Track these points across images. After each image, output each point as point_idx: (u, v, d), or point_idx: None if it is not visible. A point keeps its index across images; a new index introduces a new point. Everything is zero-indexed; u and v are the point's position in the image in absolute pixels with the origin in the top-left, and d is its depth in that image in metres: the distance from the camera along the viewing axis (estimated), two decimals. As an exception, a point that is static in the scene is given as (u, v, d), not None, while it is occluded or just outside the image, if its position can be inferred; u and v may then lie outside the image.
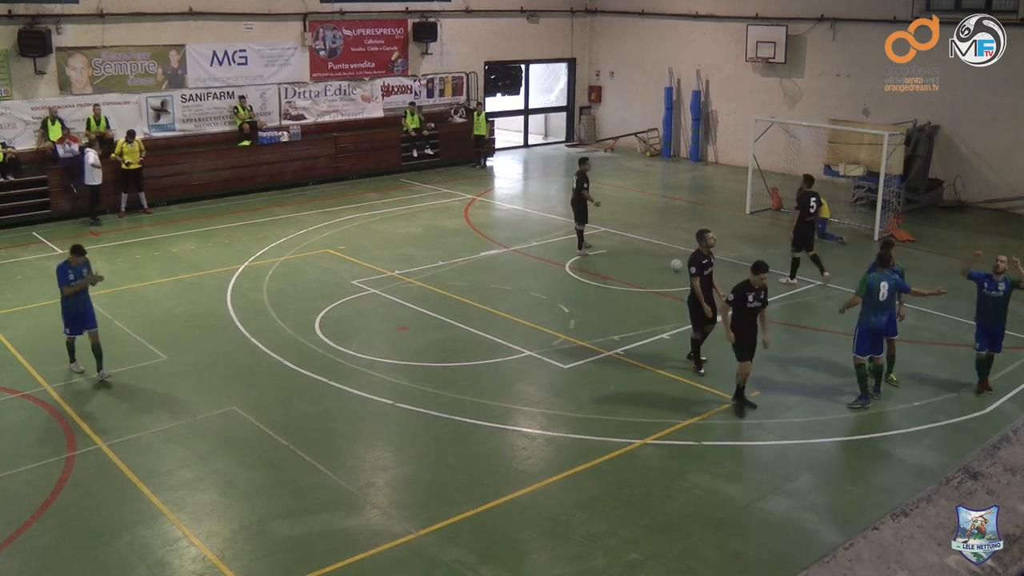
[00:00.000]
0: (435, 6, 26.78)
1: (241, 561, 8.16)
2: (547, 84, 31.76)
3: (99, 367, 11.83)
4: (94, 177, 19.71)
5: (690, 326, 12.25)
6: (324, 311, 14.45)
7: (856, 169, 20.97)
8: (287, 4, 24.00)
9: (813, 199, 15.68)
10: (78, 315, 11.75)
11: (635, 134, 29.52)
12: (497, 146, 28.68)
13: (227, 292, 15.48)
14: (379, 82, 26.18)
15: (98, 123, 21.04)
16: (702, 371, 12.11)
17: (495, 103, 29.37)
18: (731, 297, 10.75)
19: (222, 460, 9.97)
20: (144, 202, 20.95)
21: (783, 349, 11.49)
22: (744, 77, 26.49)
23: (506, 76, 29.49)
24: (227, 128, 23.38)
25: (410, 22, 26.36)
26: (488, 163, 27.27)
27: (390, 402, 11.34)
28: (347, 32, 25.26)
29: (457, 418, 10.87)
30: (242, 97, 23.40)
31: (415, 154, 26.04)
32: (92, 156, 19.67)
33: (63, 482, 9.45)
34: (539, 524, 8.76)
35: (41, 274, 16.36)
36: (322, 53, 24.91)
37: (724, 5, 26.76)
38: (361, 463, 10.09)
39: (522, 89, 29.98)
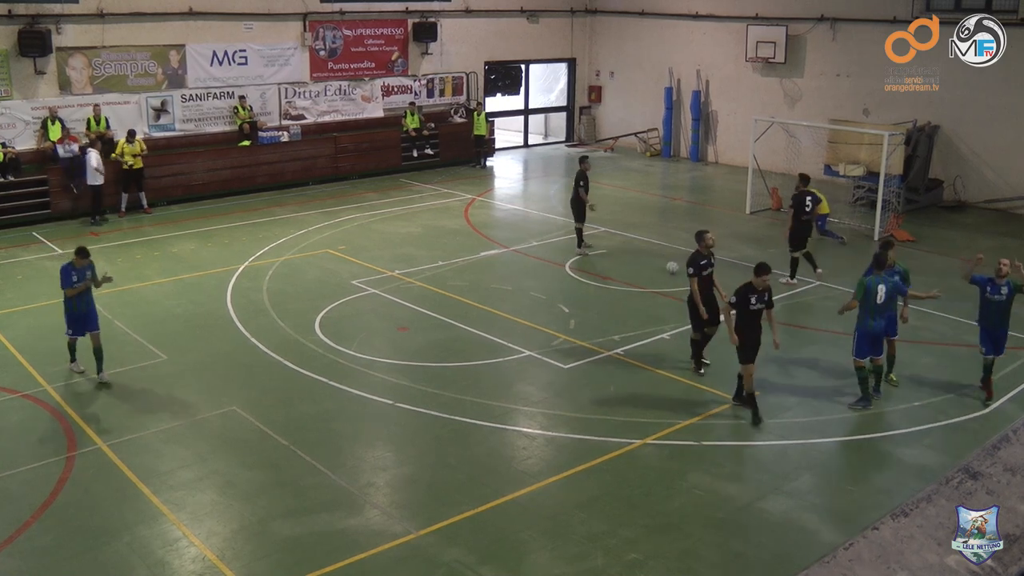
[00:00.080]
0: (435, 6, 26.78)
1: (241, 561, 8.16)
2: (547, 84, 31.76)
3: (99, 369, 11.82)
4: (96, 177, 19.70)
5: (690, 326, 12.24)
6: (324, 311, 14.45)
7: (856, 169, 20.97)
8: (287, 4, 24.00)
9: (809, 198, 15.71)
10: (80, 316, 11.74)
11: (635, 134, 29.52)
12: (497, 146, 28.68)
13: (227, 292, 15.48)
14: (379, 82, 26.18)
15: (98, 123, 21.04)
16: (702, 371, 12.11)
17: (495, 103, 29.37)
18: (733, 299, 10.68)
19: (222, 460, 9.97)
20: (144, 202, 20.96)
21: (783, 349, 11.47)
22: (744, 77, 26.49)
23: (506, 76, 29.49)
24: (227, 128, 23.39)
25: (410, 22, 26.36)
26: (488, 163, 27.27)
27: (390, 402, 11.34)
28: (347, 32, 25.26)
29: (457, 418, 10.87)
30: (242, 97, 23.40)
31: (415, 154, 26.04)
32: (95, 158, 19.65)
33: (63, 482, 9.45)
34: (539, 524, 8.76)
35: (41, 274, 16.36)
36: (322, 53, 24.91)
37: (724, 5, 26.77)
38: (361, 463, 10.09)
39: (522, 89, 29.98)
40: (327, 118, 25.25)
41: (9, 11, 19.94)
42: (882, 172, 18.95)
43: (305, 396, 11.55)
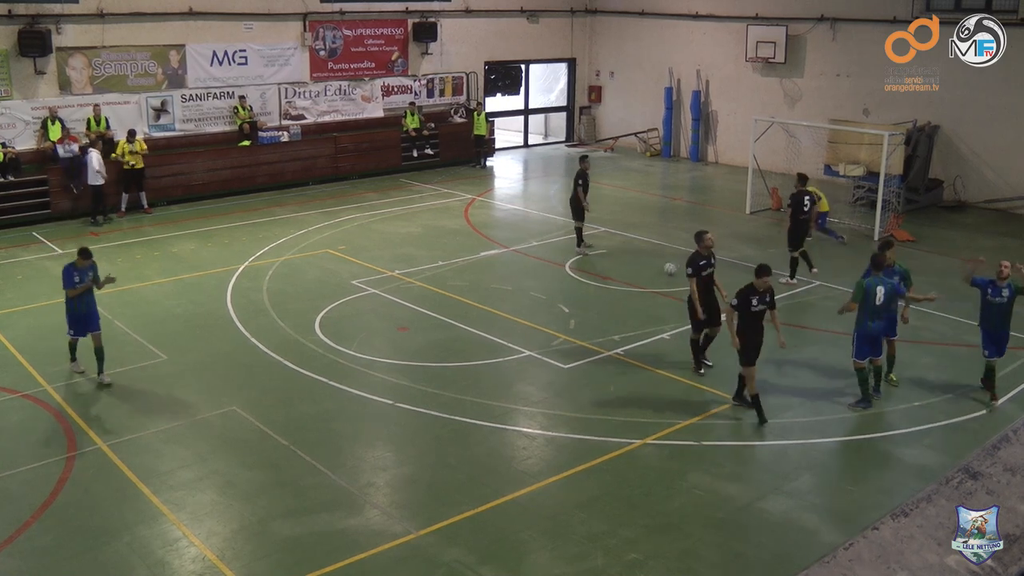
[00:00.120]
0: (435, 6, 26.78)
1: (241, 561, 8.16)
2: (547, 84, 31.76)
3: (99, 370, 11.81)
4: (97, 178, 19.69)
5: (690, 326, 12.24)
6: (324, 311, 14.45)
7: (856, 169, 20.97)
8: (287, 4, 24.00)
9: (807, 197, 15.73)
10: (82, 317, 11.73)
11: (635, 134, 29.52)
12: (497, 146, 28.68)
13: (227, 292, 15.48)
14: (379, 82, 26.18)
15: (98, 123, 21.04)
16: (702, 371, 12.11)
17: (495, 103, 29.37)
18: (734, 301, 10.63)
19: (222, 460, 9.97)
20: (144, 202, 20.96)
21: (784, 349, 11.47)
22: (744, 77, 26.49)
23: (506, 76, 29.49)
24: (227, 128, 23.39)
25: (410, 22, 26.36)
26: (488, 163, 27.27)
27: (390, 402, 11.35)
28: (347, 32, 25.26)
29: (457, 418, 10.87)
30: (242, 97, 23.40)
31: (415, 154, 26.04)
32: (96, 159, 19.63)
33: (63, 482, 9.45)
34: (539, 524, 8.76)
35: (41, 274, 16.37)
36: (322, 53, 24.91)
37: (724, 5, 26.77)
38: (361, 463, 10.09)
39: (522, 89, 29.98)
40: (327, 118, 25.25)
41: (9, 11, 19.94)
42: (882, 172, 18.96)
43: (305, 396, 11.55)
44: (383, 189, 23.78)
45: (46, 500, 9.08)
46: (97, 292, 11.98)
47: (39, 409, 11.18)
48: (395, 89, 26.50)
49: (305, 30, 24.41)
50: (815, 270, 16.04)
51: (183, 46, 22.47)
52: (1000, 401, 11.32)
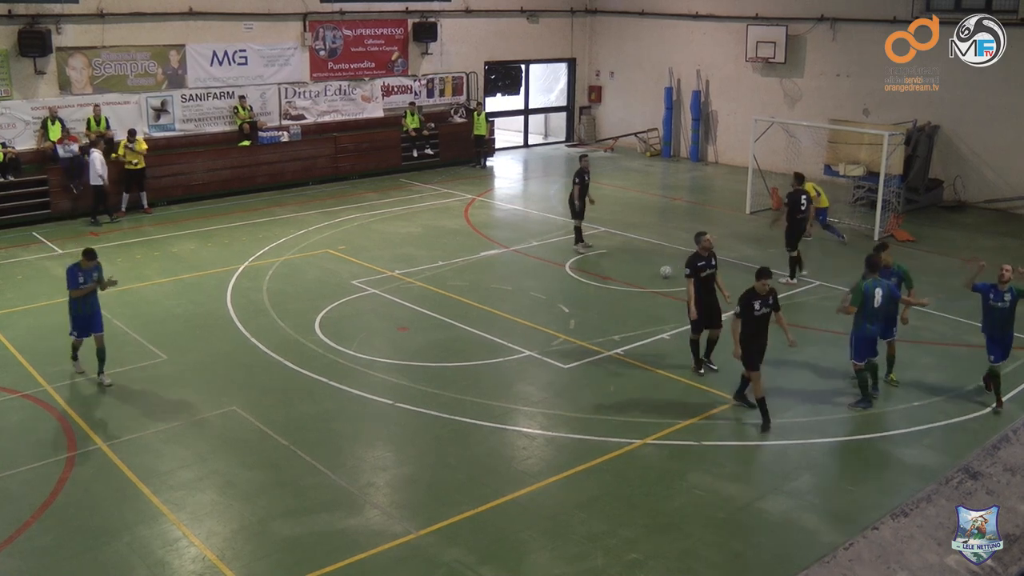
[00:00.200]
0: (435, 6, 26.78)
1: (241, 561, 8.16)
2: (547, 84, 31.76)
3: (100, 370, 11.80)
4: (99, 179, 19.67)
5: (689, 327, 12.23)
6: (324, 311, 14.45)
7: (856, 169, 20.97)
8: (287, 4, 24.00)
9: (804, 196, 15.74)
10: (86, 318, 11.68)
11: (635, 134, 29.52)
12: (497, 146, 28.68)
13: (227, 292, 15.48)
14: (379, 82, 26.18)
15: (98, 123, 21.04)
16: (702, 371, 12.11)
17: (495, 103, 29.37)
18: (738, 309, 10.51)
19: (222, 460, 9.97)
20: (145, 202, 20.97)
21: (783, 349, 11.46)
22: (744, 77, 26.49)
23: (506, 76, 29.48)
24: (227, 128, 23.39)
25: (410, 22, 26.36)
26: (488, 163, 27.27)
27: (390, 402, 11.35)
28: (347, 32, 25.26)
29: (457, 418, 10.87)
30: (242, 97, 23.40)
31: (415, 154, 26.04)
32: (99, 160, 19.60)
33: (63, 482, 9.45)
34: (539, 524, 8.76)
35: (41, 274, 16.37)
36: (322, 53, 24.91)
37: (724, 5, 26.77)
38: (361, 463, 10.09)
39: (522, 89, 29.98)
40: (327, 118, 25.24)
41: (9, 11, 19.93)
42: (882, 172, 18.95)
43: (305, 396, 11.55)
44: (383, 189, 23.77)
45: (46, 500, 9.08)
46: (100, 293, 11.96)
47: (39, 409, 11.18)
48: (395, 89, 26.50)
49: (305, 30, 24.41)
50: (804, 273, 15.98)
51: (183, 46, 22.46)
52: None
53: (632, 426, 10.67)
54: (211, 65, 22.98)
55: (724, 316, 12.02)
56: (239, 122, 23.29)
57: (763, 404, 10.63)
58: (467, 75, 27.92)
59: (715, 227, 15.69)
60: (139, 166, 20.53)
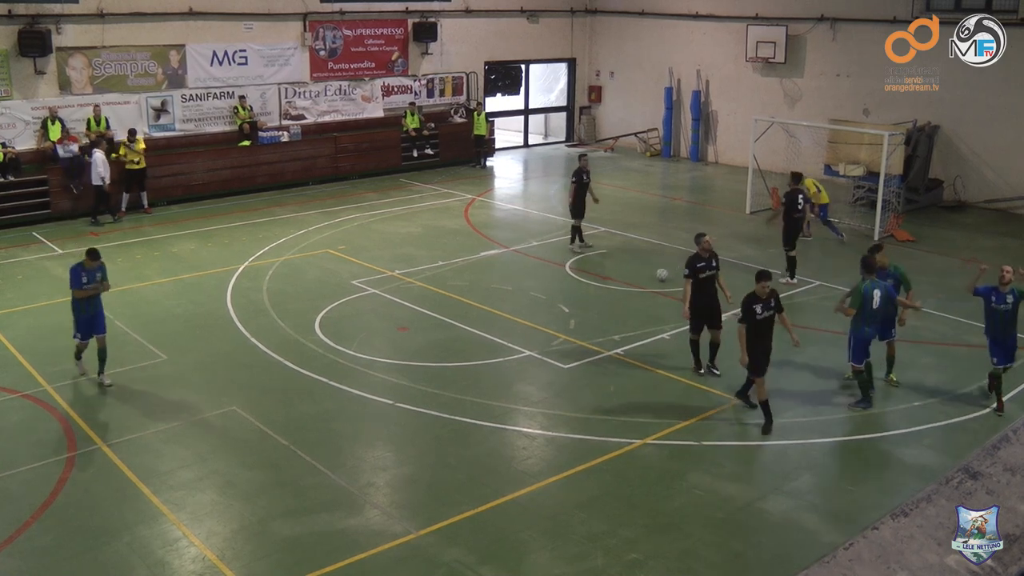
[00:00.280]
0: (435, 6, 26.78)
1: (241, 561, 8.16)
2: (547, 84, 31.76)
3: (100, 371, 11.78)
4: (99, 179, 19.66)
5: (688, 327, 12.22)
6: (324, 311, 14.45)
7: (856, 169, 20.97)
8: (287, 4, 24.00)
9: (801, 196, 15.74)
10: (88, 319, 11.62)
11: (635, 134, 29.52)
12: (497, 146, 28.68)
13: (227, 292, 15.48)
14: (379, 82, 26.18)
15: (98, 123, 21.03)
16: (702, 371, 12.11)
17: (495, 103, 29.37)
18: (740, 315, 10.43)
19: (222, 460, 9.97)
20: (145, 202, 20.97)
21: (783, 350, 11.47)
22: (744, 77, 26.49)
23: (506, 76, 29.48)
24: (227, 128, 23.38)
25: (410, 22, 26.36)
26: (488, 163, 27.27)
27: (390, 402, 11.34)
28: (347, 32, 25.26)
29: (457, 418, 10.87)
30: (242, 97, 23.40)
31: (415, 154, 26.04)
32: (101, 161, 19.58)
33: (63, 482, 9.45)
34: (539, 524, 8.76)
35: (41, 274, 16.38)
36: (322, 53, 24.91)
37: (724, 5, 26.76)
38: (361, 463, 10.09)
39: (522, 89, 29.98)
40: (327, 118, 25.24)
41: (9, 11, 19.93)
42: (882, 172, 18.95)
43: (305, 396, 11.55)
44: (383, 189, 23.78)
45: (46, 500, 9.08)
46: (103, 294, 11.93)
47: (39, 409, 11.18)
48: (395, 89, 26.50)
49: (305, 30, 24.41)
50: (796, 278, 15.93)
51: (183, 46, 22.46)
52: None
53: (632, 426, 10.67)
54: (211, 65, 22.98)
55: (724, 316, 12.02)
56: (239, 122, 23.29)
57: (766, 407, 10.59)
58: (467, 75, 27.92)
59: (715, 227, 15.69)
60: (140, 166, 20.54)
